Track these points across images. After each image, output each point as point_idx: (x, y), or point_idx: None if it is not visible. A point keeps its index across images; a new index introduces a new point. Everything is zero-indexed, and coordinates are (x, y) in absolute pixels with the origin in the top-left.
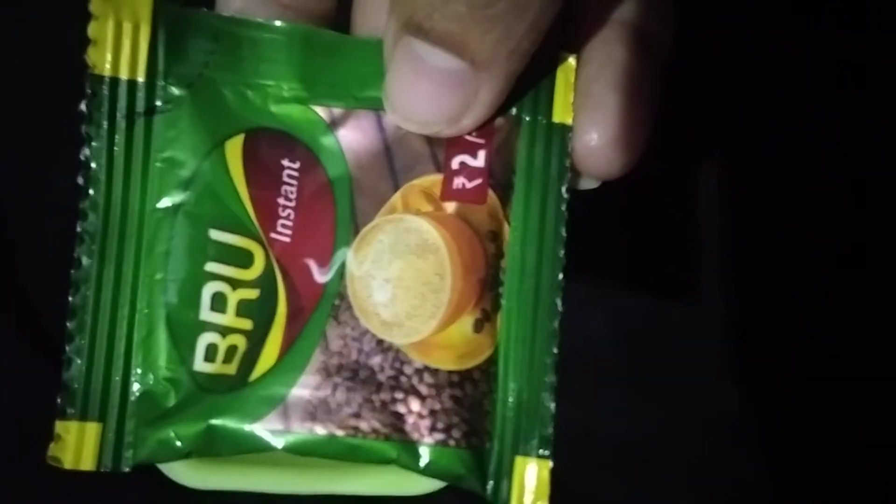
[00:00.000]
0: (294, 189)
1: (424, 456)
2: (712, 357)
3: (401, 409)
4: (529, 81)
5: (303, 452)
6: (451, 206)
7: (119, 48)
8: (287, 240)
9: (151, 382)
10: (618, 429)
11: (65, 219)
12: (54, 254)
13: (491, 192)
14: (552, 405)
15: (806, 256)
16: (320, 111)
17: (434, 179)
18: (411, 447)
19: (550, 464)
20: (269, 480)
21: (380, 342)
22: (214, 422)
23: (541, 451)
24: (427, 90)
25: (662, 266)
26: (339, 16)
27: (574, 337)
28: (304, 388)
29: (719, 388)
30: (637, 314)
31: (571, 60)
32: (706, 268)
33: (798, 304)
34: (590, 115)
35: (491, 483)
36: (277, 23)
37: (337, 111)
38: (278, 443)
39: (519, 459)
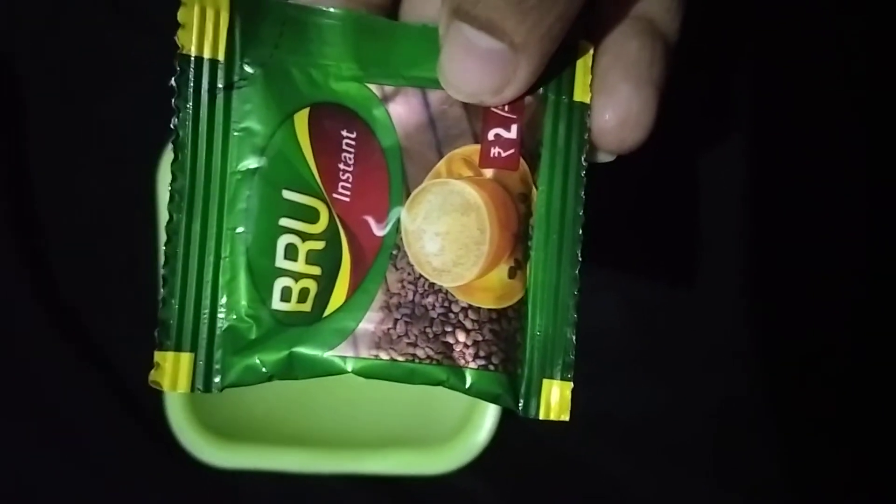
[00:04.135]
0: (352, 156)
1: (469, 378)
2: (726, 340)
3: (449, 339)
4: (554, 65)
5: (368, 375)
6: (488, 172)
7: (203, 31)
8: (347, 199)
9: (235, 318)
10: (632, 411)
11: (92, 208)
12: (83, 244)
13: (522, 160)
14: (573, 337)
15: (822, 242)
16: (373, 88)
17: (473, 149)
18: (458, 371)
19: (571, 385)
20: (293, 460)
21: (431, 285)
22: (295, 350)
23: (564, 375)
24: (474, 66)
25: (677, 251)
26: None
27: (589, 321)
28: (369, 323)
29: (734, 372)
30: (651, 299)
31: (589, 48)
32: (721, 253)
33: (813, 289)
34: (604, 100)
35: (522, 401)
36: (336, 10)
37: (388, 88)
38: (349, 367)
39: (546, 382)
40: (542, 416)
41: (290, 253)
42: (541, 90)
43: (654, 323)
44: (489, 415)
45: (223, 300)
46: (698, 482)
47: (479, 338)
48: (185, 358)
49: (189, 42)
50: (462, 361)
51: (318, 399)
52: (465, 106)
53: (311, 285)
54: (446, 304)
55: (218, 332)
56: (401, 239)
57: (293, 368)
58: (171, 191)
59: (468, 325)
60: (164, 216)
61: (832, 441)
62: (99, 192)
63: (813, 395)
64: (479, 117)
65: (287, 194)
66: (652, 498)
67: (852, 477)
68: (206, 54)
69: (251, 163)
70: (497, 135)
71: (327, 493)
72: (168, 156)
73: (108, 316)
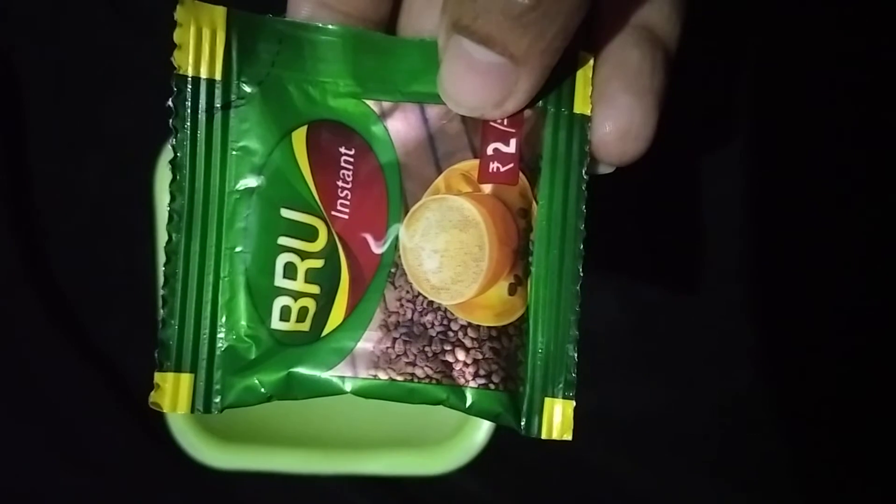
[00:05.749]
0: (350, 173)
1: (469, 397)
2: (726, 340)
3: (449, 358)
4: (554, 77)
5: (367, 395)
6: (487, 188)
7: (199, 51)
8: (346, 217)
9: (235, 338)
10: (632, 411)
11: (92, 209)
12: (82, 244)
13: (521, 175)
14: (575, 355)
15: (822, 242)
16: (371, 104)
17: (472, 164)
18: (458, 390)
19: (574, 403)
20: (292, 461)
21: (430, 303)
22: (293, 370)
23: (566, 393)
24: (474, 80)
25: (677, 251)
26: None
27: (589, 321)
28: (368, 342)
29: (734, 371)
30: (651, 299)
31: (589, 59)
32: (721, 253)
33: (813, 289)
34: (604, 111)
35: (524, 420)
36: (334, 26)
37: (386, 104)
38: (347, 387)
39: (547, 400)
40: (544, 436)
41: (289, 272)
42: (540, 103)
43: (654, 323)
44: None
45: (223, 320)
46: (698, 481)
47: (479, 356)
48: (185, 379)
49: (186, 62)
50: (462, 380)
51: (316, 400)
52: (464, 121)
53: (310, 304)
54: (445, 322)
55: (218, 352)
56: (399, 256)
57: (292, 389)
58: (169, 211)
59: (467, 343)
60: (162, 225)
61: (833, 439)
62: (98, 192)
63: (813, 395)
64: (477, 132)
65: (286, 213)
66: (652, 497)
67: (853, 474)
68: (203, 74)
69: (249, 182)
70: (496, 149)
71: (326, 494)
72: (167, 155)
73: (108, 316)
